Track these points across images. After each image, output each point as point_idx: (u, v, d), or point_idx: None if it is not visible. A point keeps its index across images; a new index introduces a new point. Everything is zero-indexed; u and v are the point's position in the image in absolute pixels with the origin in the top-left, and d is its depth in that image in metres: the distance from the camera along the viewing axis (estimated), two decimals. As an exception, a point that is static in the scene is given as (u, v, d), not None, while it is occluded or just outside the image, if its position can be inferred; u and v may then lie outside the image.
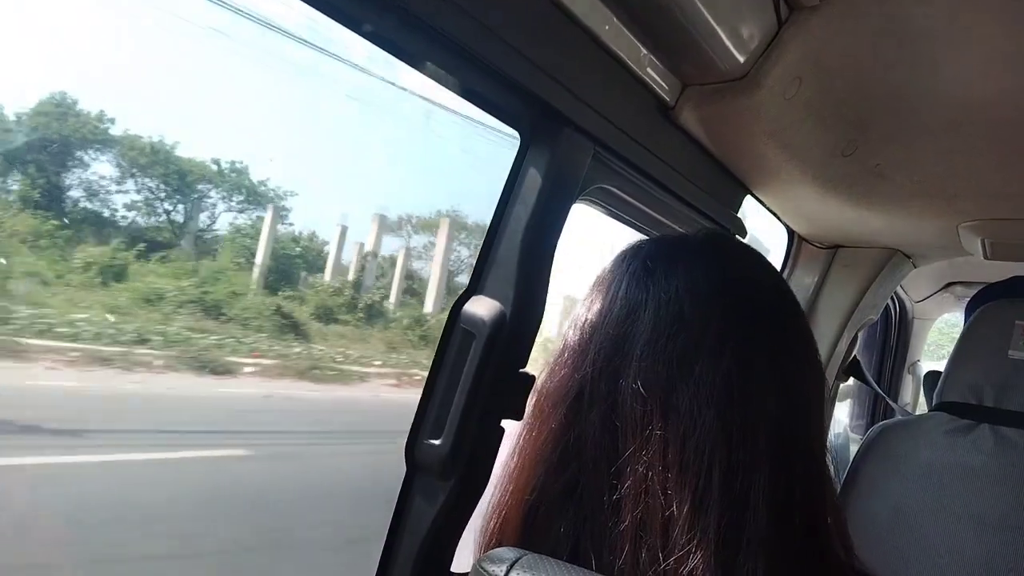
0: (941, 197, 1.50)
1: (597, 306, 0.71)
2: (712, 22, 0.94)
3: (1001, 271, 1.98)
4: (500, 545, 0.68)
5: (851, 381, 2.16)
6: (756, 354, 0.66)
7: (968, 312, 1.86)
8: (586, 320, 0.71)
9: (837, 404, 2.52)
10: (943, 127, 1.24)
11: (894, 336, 2.68)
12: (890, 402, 2.33)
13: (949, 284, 2.52)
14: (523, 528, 0.69)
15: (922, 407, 2.67)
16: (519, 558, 0.61)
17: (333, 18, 0.72)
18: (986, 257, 1.70)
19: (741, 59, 1.03)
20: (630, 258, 0.73)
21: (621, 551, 0.62)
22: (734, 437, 0.62)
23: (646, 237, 0.78)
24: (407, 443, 0.85)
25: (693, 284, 0.68)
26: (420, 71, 0.82)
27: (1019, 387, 1.42)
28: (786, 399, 0.66)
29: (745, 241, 1.53)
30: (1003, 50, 1.03)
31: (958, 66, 1.08)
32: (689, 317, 0.66)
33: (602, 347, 0.68)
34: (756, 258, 0.78)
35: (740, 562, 0.59)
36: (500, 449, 0.87)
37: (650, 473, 0.62)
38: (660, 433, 0.63)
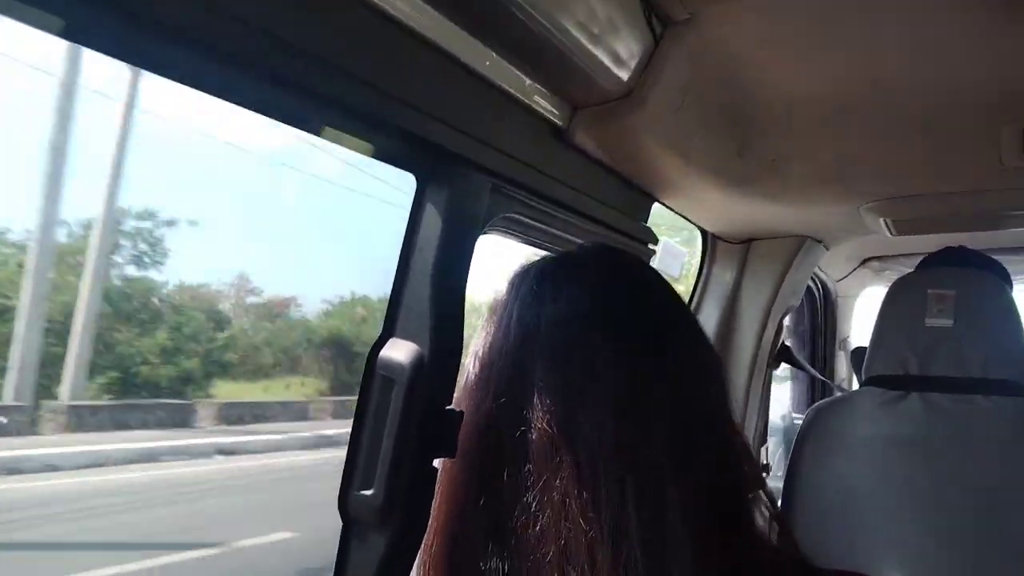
0: (839, 182, 1.56)
1: (492, 337, 0.72)
2: (589, 46, 0.96)
3: (912, 244, 2.06)
4: None
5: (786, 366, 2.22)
6: (647, 363, 0.67)
7: None
8: (484, 352, 0.72)
9: (777, 388, 2.59)
10: (831, 116, 1.29)
11: (821, 317, 2.76)
12: (826, 380, 2.39)
13: (865, 260, 2.60)
14: (450, 570, 0.69)
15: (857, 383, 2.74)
16: None
17: (216, 96, 0.72)
18: (891, 234, 1.77)
19: (624, 78, 1.06)
20: (519, 283, 0.74)
21: None
22: (638, 451, 0.63)
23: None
24: (339, 497, 0.84)
25: (579, 302, 0.70)
26: (316, 135, 0.82)
27: (939, 353, 1.48)
28: (683, 403, 0.67)
29: (667, 243, 1.56)
30: (878, 39, 1.08)
31: (837, 58, 1.13)
32: (579, 338, 0.68)
33: (501, 379, 0.69)
34: (641, 267, 0.80)
35: (669, 573, 0.61)
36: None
37: (567, 500, 0.62)
38: (570, 458, 0.63)
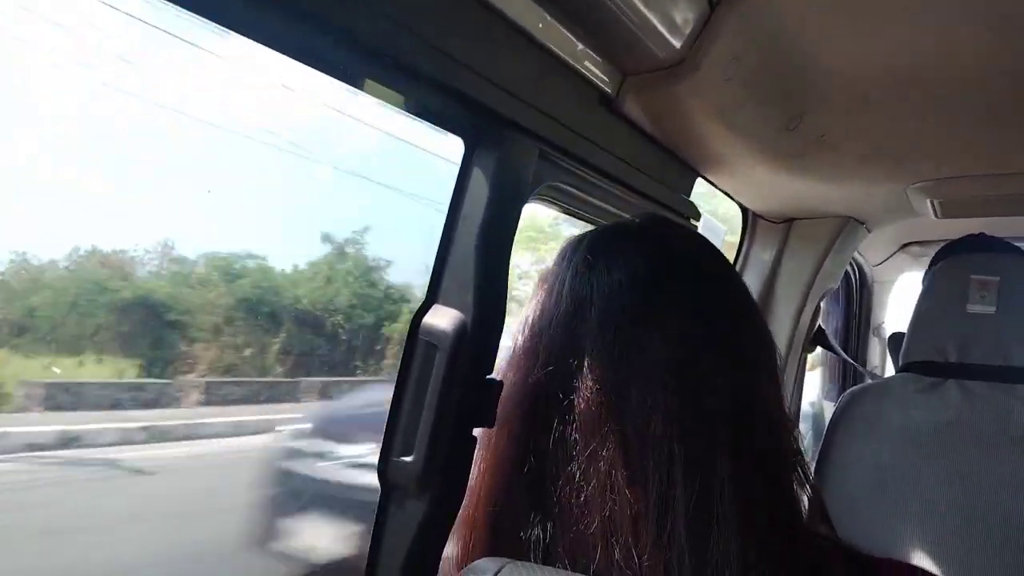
0: (888, 161, 1.52)
1: (543, 306, 0.70)
2: (644, 10, 0.94)
3: (953, 228, 2.02)
4: (472, 556, 0.68)
5: (819, 350, 2.19)
6: (702, 337, 0.66)
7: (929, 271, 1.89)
8: (533, 321, 0.70)
9: (809, 373, 2.56)
10: (884, 93, 1.25)
11: (856, 301, 2.72)
12: (858, 367, 2.36)
13: (905, 245, 2.56)
14: (492, 537, 0.69)
15: (891, 369, 2.71)
16: (501, 568, 0.61)
17: (270, 47, 0.71)
18: (936, 216, 1.73)
19: (677, 45, 1.03)
20: (571, 253, 0.72)
21: (594, 551, 0.61)
22: (690, 425, 0.62)
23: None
24: (379, 462, 0.84)
25: (635, 273, 0.68)
26: (358, 88, 0.81)
27: (980, 340, 1.44)
28: (738, 380, 0.66)
29: (707, 219, 1.54)
30: (938, 13, 1.04)
31: (895, 32, 1.09)
32: (634, 309, 0.66)
33: (551, 348, 0.67)
34: (696, 239, 0.78)
35: (712, 549, 0.59)
36: (474, 458, 0.87)
37: (613, 471, 0.61)
38: (619, 429, 0.62)
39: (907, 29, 1.08)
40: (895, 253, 2.60)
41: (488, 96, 0.85)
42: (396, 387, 0.84)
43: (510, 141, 0.90)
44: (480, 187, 0.88)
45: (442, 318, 0.84)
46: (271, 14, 0.66)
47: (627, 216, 1.24)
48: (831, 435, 1.58)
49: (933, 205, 1.68)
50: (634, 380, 0.63)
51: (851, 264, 2.56)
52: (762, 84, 1.20)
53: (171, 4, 0.63)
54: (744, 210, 1.86)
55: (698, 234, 0.80)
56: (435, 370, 0.82)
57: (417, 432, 0.82)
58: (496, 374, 0.82)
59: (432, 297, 0.87)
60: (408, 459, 0.82)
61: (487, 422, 0.77)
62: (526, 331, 0.71)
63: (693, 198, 1.48)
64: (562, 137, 0.99)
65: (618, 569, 0.60)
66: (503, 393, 0.72)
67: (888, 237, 2.36)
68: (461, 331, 0.83)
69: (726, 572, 0.59)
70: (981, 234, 1.64)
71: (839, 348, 2.26)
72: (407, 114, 0.85)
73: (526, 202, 0.94)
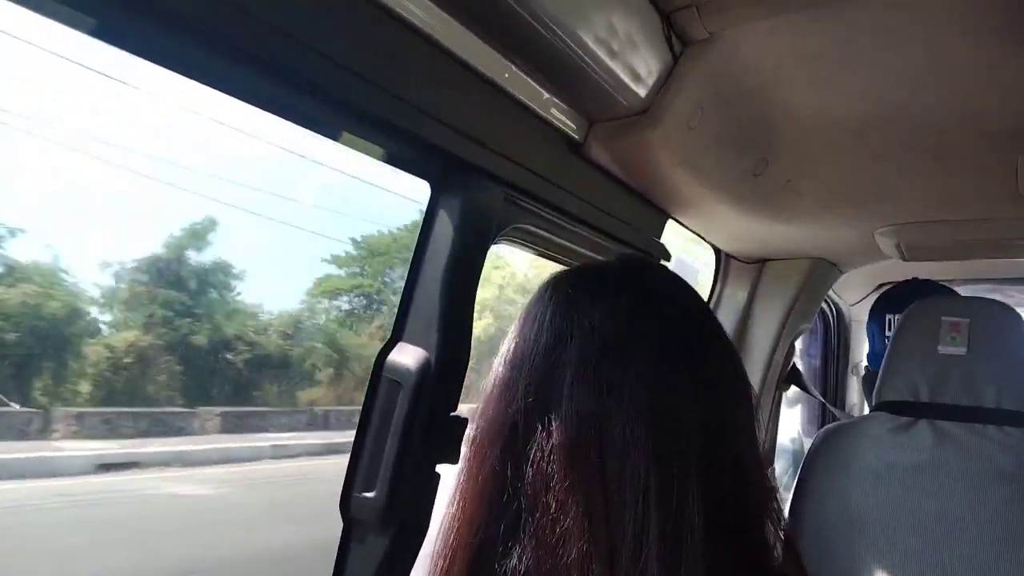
0: (853, 206, 1.55)
1: (523, 339, 0.72)
2: (608, 61, 0.97)
3: (926, 271, 2.05)
4: None
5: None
6: (680, 376, 0.68)
7: (875, 317, 1.93)
8: (513, 353, 0.72)
9: (788, 410, 2.57)
10: (848, 139, 1.29)
11: (834, 340, 2.75)
12: (829, 407, 2.37)
13: (881, 285, 2.59)
14: (469, 568, 0.69)
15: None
16: None
17: (237, 98, 0.74)
18: (903, 259, 1.76)
19: (642, 94, 1.06)
20: (552, 290, 0.74)
21: None
22: (665, 458, 0.64)
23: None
24: (341, 498, 0.85)
25: (615, 312, 0.70)
26: (325, 136, 0.84)
27: (951, 381, 1.46)
28: (712, 417, 0.67)
29: (680, 259, 1.56)
30: (895, 64, 1.08)
31: (853, 82, 1.13)
32: (613, 344, 0.68)
33: (531, 379, 0.68)
34: (674, 281, 0.80)
35: None
36: (437, 495, 0.88)
37: (591, 501, 0.63)
38: (597, 460, 0.64)
39: (861, 81, 1.12)
40: (871, 292, 2.64)
41: (453, 143, 0.88)
42: (360, 423, 0.85)
43: (476, 185, 0.93)
44: (445, 229, 0.90)
45: (407, 356, 0.86)
46: (254, 74, 0.70)
47: (595, 256, 1.27)
48: (805, 473, 1.59)
49: (900, 248, 1.71)
50: (612, 413, 0.65)
51: (828, 303, 2.59)
52: (726, 132, 1.23)
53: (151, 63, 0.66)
54: (716, 251, 1.89)
55: (674, 274, 0.82)
56: (398, 407, 0.84)
57: (380, 468, 0.83)
58: (475, 407, 0.83)
59: (397, 335, 0.89)
60: (371, 495, 0.83)
61: (451, 459, 0.78)
62: (506, 364, 0.72)
63: (670, 235, 1.51)
64: (528, 181, 1.02)
65: None
66: (483, 425, 0.73)
67: (863, 277, 2.39)
68: (425, 369, 0.85)
69: None
70: (914, 279, 1.68)
71: (812, 388, 2.28)
72: (375, 160, 0.88)
73: (492, 243, 0.97)
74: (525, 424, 0.67)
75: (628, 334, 0.69)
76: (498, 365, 0.73)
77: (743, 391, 0.74)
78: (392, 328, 0.90)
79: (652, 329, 0.70)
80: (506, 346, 0.73)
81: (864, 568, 1.43)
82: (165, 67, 0.67)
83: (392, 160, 0.89)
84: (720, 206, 1.46)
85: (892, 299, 2.01)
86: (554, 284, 0.75)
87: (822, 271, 1.97)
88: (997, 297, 1.63)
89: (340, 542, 0.86)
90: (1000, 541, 1.36)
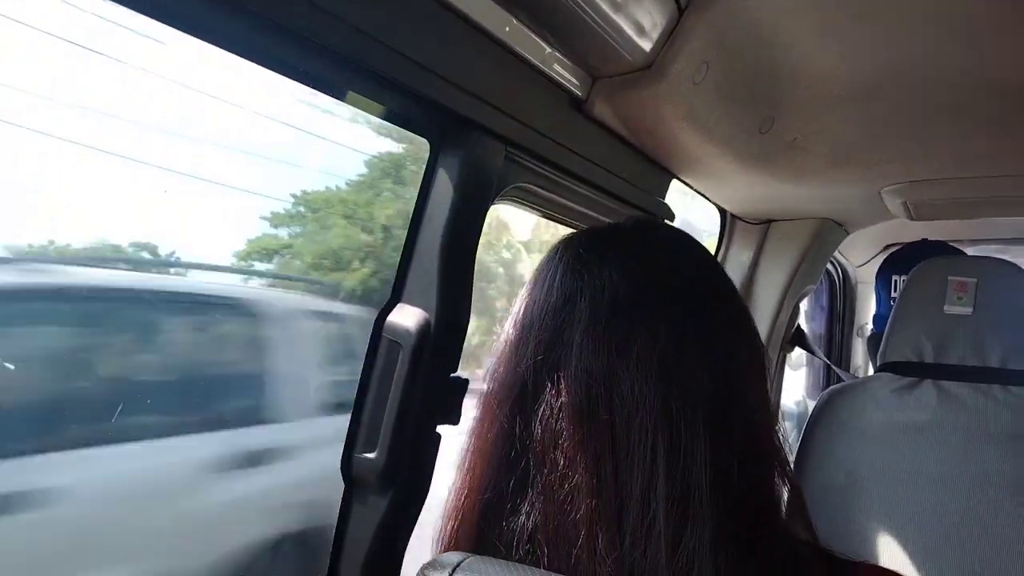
0: (861, 164, 1.53)
1: (533, 299, 0.72)
2: (612, 15, 0.95)
3: (933, 230, 2.04)
4: (457, 546, 0.69)
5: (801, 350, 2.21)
6: (690, 333, 0.67)
7: (881, 279, 1.92)
8: (523, 314, 0.72)
9: (793, 372, 2.57)
10: (855, 96, 1.27)
11: (840, 302, 2.74)
12: (834, 368, 2.37)
13: (888, 246, 2.58)
14: (478, 527, 0.70)
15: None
16: (461, 561, 0.62)
17: (237, 54, 0.72)
18: (910, 218, 1.74)
19: (646, 49, 1.04)
20: (563, 250, 0.74)
21: (577, 540, 0.63)
22: (674, 416, 0.63)
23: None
24: (342, 459, 0.85)
25: (625, 270, 0.69)
26: (324, 93, 0.82)
27: (956, 341, 1.46)
28: (722, 376, 0.67)
29: (680, 223, 1.55)
30: (907, 17, 1.05)
31: (864, 36, 1.11)
32: (624, 302, 0.67)
33: (541, 338, 0.68)
34: (685, 240, 0.79)
35: (686, 540, 0.61)
36: (438, 455, 0.88)
37: (601, 460, 0.63)
38: (606, 418, 0.64)
39: (874, 34, 1.09)
40: (878, 254, 2.62)
41: (453, 99, 0.86)
42: (360, 384, 0.85)
43: (475, 142, 0.91)
44: (445, 188, 0.89)
45: (406, 317, 0.85)
46: (254, 30, 0.69)
47: (602, 219, 1.25)
48: (809, 434, 1.59)
49: (907, 207, 1.69)
50: (622, 371, 0.65)
51: (834, 265, 2.58)
52: (732, 88, 1.21)
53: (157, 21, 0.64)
54: (721, 211, 1.87)
55: (685, 233, 0.81)
56: (398, 368, 0.84)
57: (381, 429, 0.83)
58: (486, 367, 0.83)
59: (396, 296, 0.88)
60: (371, 455, 0.83)
61: (452, 420, 0.78)
62: (516, 324, 0.72)
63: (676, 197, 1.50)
64: (529, 139, 1.00)
65: (600, 558, 0.62)
66: (493, 385, 0.73)
67: (870, 238, 2.38)
68: (425, 330, 0.85)
69: (696, 562, 0.60)
70: (924, 240, 1.67)
71: (817, 349, 2.28)
72: (373, 117, 0.86)
73: (492, 203, 0.96)
74: (535, 382, 0.68)
75: (638, 293, 0.68)
76: (509, 325, 0.73)
77: (754, 350, 0.73)
78: (391, 288, 0.89)
79: (663, 288, 0.69)
80: (517, 306, 0.73)
81: (867, 526, 1.44)
82: (160, 21, 0.65)
83: (392, 117, 0.88)
84: (725, 165, 1.44)
85: (898, 260, 2.00)
86: (565, 244, 0.75)
87: (828, 231, 1.95)
88: (1005, 257, 1.61)
89: (341, 502, 0.86)
90: (1004, 498, 1.37)
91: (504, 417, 0.69)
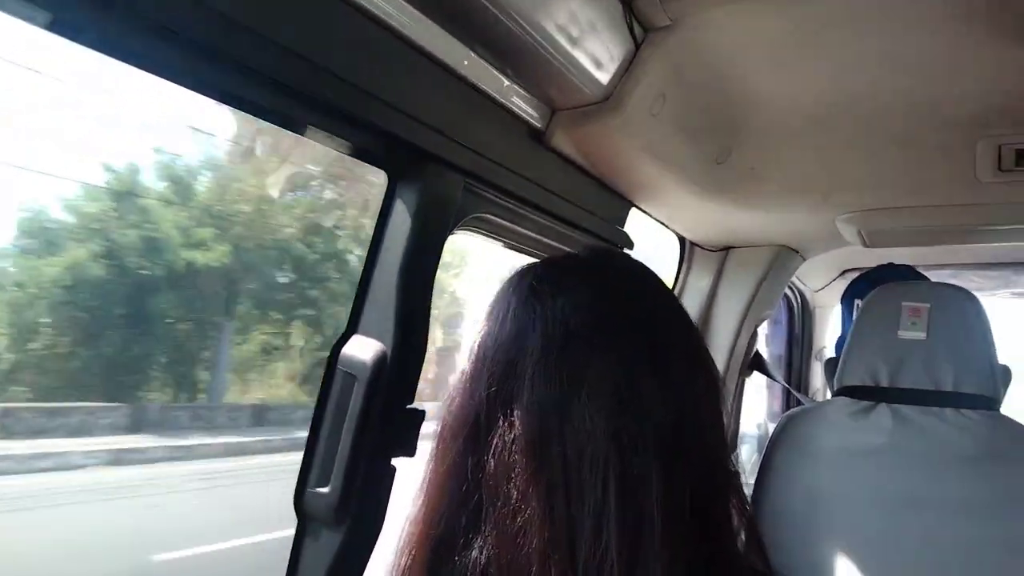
0: (816, 193, 1.56)
1: (487, 331, 0.71)
2: (569, 49, 0.96)
3: (888, 257, 2.07)
4: None
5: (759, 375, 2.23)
6: (644, 364, 0.67)
7: (845, 302, 1.95)
8: (479, 346, 0.71)
9: (753, 397, 2.59)
10: (810, 126, 1.29)
11: (799, 327, 2.77)
12: (793, 392, 2.40)
13: (844, 271, 2.62)
14: (431, 562, 0.69)
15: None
16: None
17: (201, 93, 0.72)
18: (865, 246, 1.77)
19: (603, 82, 1.06)
20: (518, 281, 0.74)
21: (530, 573, 0.62)
22: (626, 446, 0.63)
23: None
24: (295, 493, 0.84)
25: (579, 301, 0.69)
26: (285, 128, 0.82)
27: (910, 365, 1.48)
28: (677, 406, 0.67)
29: (642, 249, 1.56)
30: (859, 51, 1.08)
31: (817, 68, 1.13)
32: (576, 333, 0.67)
33: (494, 371, 0.68)
34: (640, 270, 0.80)
35: (639, 571, 0.61)
36: (393, 488, 0.87)
37: (552, 492, 0.63)
38: (559, 450, 0.64)
39: (828, 67, 1.12)
40: (835, 279, 2.66)
41: (410, 131, 0.87)
42: (314, 417, 0.84)
43: (434, 174, 0.91)
44: (403, 219, 0.89)
45: (362, 349, 0.85)
46: (216, 68, 0.69)
47: (562, 247, 1.26)
48: (768, 458, 1.60)
49: (862, 235, 1.72)
50: (574, 403, 0.65)
51: (792, 290, 2.61)
52: (689, 120, 1.23)
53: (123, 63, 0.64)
54: (680, 239, 1.89)
55: (640, 263, 0.82)
56: (353, 400, 0.83)
57: (335, 462, 0.82)
58: (443, 399, 0.83)
59: (352, 327, 0.88)
60: (325, 490, 0.82)
61: (408, 451, 0.78)
62: (472, 356, 0.72)
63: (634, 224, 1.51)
64: (489, 170, 1.01)
65: None
66: (448, 418, 0.72)
67: (826, 264, 2.41)
68: (381, 361, 0.84)
69: None
70: (890, 264, 1.70)
71: (775, 373, 2.30)
72: (326, 147, 0.86)
73: (450, 233, 0.96)
74: (488, 415, 0.67)
75: (592, 324, 0.69)
76: (467, 359, 0.73)
77: (710, 379, 0.73)
78: (348, 319, 0.88)
79: (617, 318, 0.70)
80: (474, 339, 0.73)
81: (826, 548, 1.45)
82: (123, 61, 0.65)
83: (353, 151, 0.88)
84: (684, 194, 1.46)
85: (860, 284, 2.03)
86: (518, 276, 0.75)
87: (785, 258, 1.98)
88: (957, 283, 1.64)
89: (294, 539, 0.85)
90: (960, 521, 1.38)
91: (457, 451, 0.69)
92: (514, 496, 0.64)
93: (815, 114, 1.26)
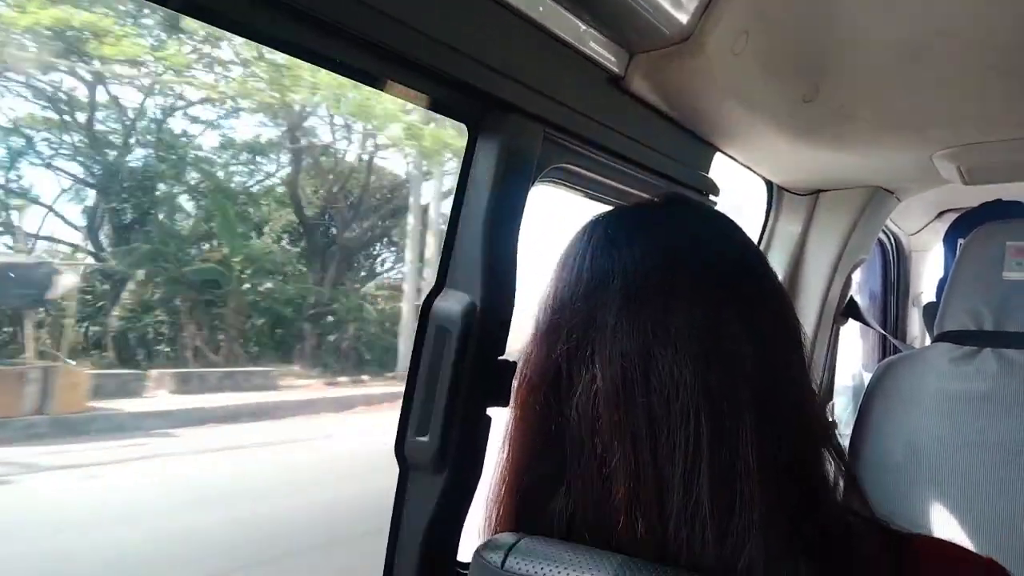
0: (911, 129, 1.49)
1: (563, 283, 0.71)
2: (646, -12, 0.94)
3: (987, 194, 1.98)
4: (497, 531, 0.70)
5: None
6: (725, 310, 0.66)
7: (947, 242, 1.86)
8: (553, 298, 0.71)
9: (847, 345, 2.52)
10: (902, 60, 1.23)
11: (894, 272, 2.68)
12: (891, 339, 2.33)
13: (942, 213, 2.51)
14: (517, 514, 0.70)
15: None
16: (516, 542, 0.63)
17: (280, 50, 0.74)
18: (964, 183, 1.69)
19: (683, 21, 1.03)
20: (591, 231, 0.73)
21: (616, 524, 0.63)
22: (715, 395, 0.63)
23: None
24: (396, 442, 0.86)
25: (656, 248, 0.69)
26: (364, 83, 0.83)
27: (1017, 307, 1.42)
28: (761, 351, 0.66)
29: (729, 197, 1.53)
30: None
31: (908, 1, 1.08)
32: (657, 281, 0.67)
33: (573, 323, 0.68)
34: (715, 216, 0.78)
35: (735, 520, 0.60)
36: (491, 436, 0.89)
37: (638, 444, 0.63)
38: (643, 400, 0.63)
39: None
40: (932, 221, 2.56)
41: (490, 83, 0.86)
42: (410, 369, 0.87)
43: (515, 125, 0.91)
44: (486, 172, 0.89)
45: (452, 302, 0.86)
46: (297, 25, 0.70)
47: (641, 194, 1.24)
48: (865, 407, 1.57)
49: (960, 172, 1.64)
50: (658, 352, 0.64)
51: (886, 233, 2.52)
52: (774, 57, 1.19)
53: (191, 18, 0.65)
54: (768, 183, 1.83)
55: (716, 210, 0.80)
56: (447, 352, 0.85)
57: (432, 413, 0.84)
58: (519, 353, 0.83)
59: (442, 281, 0.89)
60: (424, 439, 0.84)
61: (501, 402, 0.79)
62: (547, 309, 0.72)
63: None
64: (569, 119, 1.00)
65: (641, 540, 0.61)
66: (527, 371, 0.73)
67: (922, 205, 2.32)
68: (471, 314, 0.85)
69: (748, 543, 0.60)
70: (998, 200, 1.61)
71: (871, 320, 2.23)
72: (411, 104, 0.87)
73: (533, 185, 0.95)
74: (568, 368, 0.67)
75: (672, 270, 0.68)
76: (539, 311, 0.73)
77: (792, 328, 0.72)
78: (437, 273, 0.90)
79: (696, 265, 0.69)
80: (546, 291, 0.73)
81: (927, 497, 1.42)
82: (196, 17, 0.67)
83: (433, 105, 0.89)
84: (770, 136, 1.42)
85: (964, 224, 1.94)
86: (592, 226, 0.74)
87: (879, 199, 1.90)
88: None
89: (397, 485, 0.88)
90: None
91: (539, 404, 0.69)
92: (599, 448, 0.64)
93: (906, 48, 1.19)
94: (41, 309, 8.39)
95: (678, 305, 0.65)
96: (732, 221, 0.77)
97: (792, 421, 0.67)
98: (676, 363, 0.63)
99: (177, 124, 10.87)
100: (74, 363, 8.26)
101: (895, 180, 1.87)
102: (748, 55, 1.14)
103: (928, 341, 2.05)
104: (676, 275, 0.67)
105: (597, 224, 0.73)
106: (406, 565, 0.87)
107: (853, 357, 2.89)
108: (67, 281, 8.77)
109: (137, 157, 10.75)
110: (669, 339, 0.64)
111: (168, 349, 10.36)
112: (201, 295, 10.41)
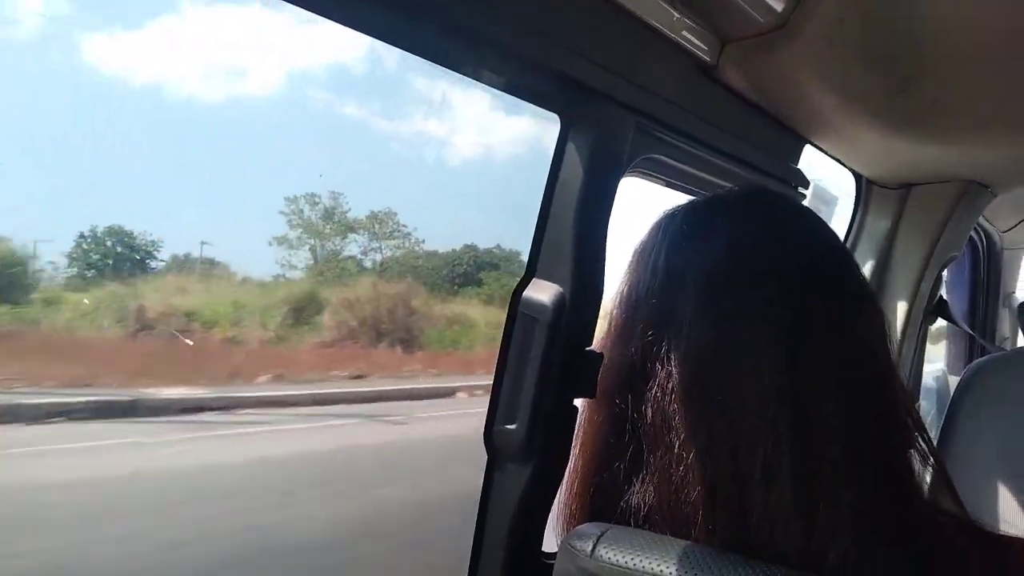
0: (1009, 122, 1.43)
1: (638, 278, 0.71)
2: (742, -24, 0.92)
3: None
4: (575, 525, 0.70)
5: (944, 321, 2.09)
6: (807, 303, 0.65)
7: None
8: (629, 294, 0.71)
9: (932, 346, 2.44)
10: (999, 53, 1.18)
11: (983, 270, 2.58)
12: (979, 340, 2.24)
13: (1038, 208, 2.41)
14: (597, 508, 0.70)
15: (1023, 340, 2.56)
16: (605, 531, 0.63)
17: (374, 37, 0.75)
18: (1067, 177, 1.62)
19: (778, 9, 1.01)
20: (666, 224, 0.73)
21: (695, 519, 0.62)
22: (797, 389, 0.61)
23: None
24: (484, 430, 0.87)
25: (733, 244, 0.68)
26: (453, 70, 0.83)
27: None
28: (845, 347, 0.65)
29: (822, 190, 1.50)
30: None
31: None
32: (735, 278, 0.66)
33: (649, 319, 0.68)
34: (794, 208, 0.77)
35: (821, 517, 0.59)
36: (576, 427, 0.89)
37: (716, 438, 0.62)
38: (719, 398, 0.62)
39: None
40: (1026, 218, 2.45)
41: (582, 71, 0.86)
42: (499, 358, 0.87)
43: (606, 115, 0.91)
44: (576, 162, 0.89)
45: (541, 292, 0.86)
46: (386, 11, 0.71)
47: (729, 186, 1.22)
48: (954, 410, 1.52)
49: (1062, 166, 1.57)
50: (735, 347, 0.63)
51: (977, 229, 2.42)
52: (868, 46, 1.15)
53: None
54: (857, 177, 1.78)
55: (796, 203, 0.79)
56: (535, 342, 0.85)
57: (519, 402, 0.85)
58: (595, 348, 0.83)
59: (531, 271, 0.89)
60: (512, 427, 0.85)
61: (588, 392, 0.79)
62: (622, 304, 0.72)
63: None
64: (659, 108, 0.99)
65: (721, 536, 0.61)
66: (602, 366, 0.73)
67: (1016, 201, 2.22)
68: (560, 304, 0.85)
69: (836, 540, 0.58)
70: None
71: (961, 320, 2.16)
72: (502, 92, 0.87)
73: (623, 176, 0.95)
74: (644, 364, 0.67)
75: (750, 264, 0.66)
76: (614, 306, 0.73)
77: (877, 324, 0.70)
78: (526, 263, 0.90)
79: (774, 259, 0.67)
80: (621, 286, 0.72)
81: (1017, 508, 1.37)
82: (294, 3, 0.68)
83: (521, 92, 0.89)
84: (862, 127, 1.38)
85: None
86: (667, 220, 0.73)
87: (973, 195, 1.83)
88: None
89: (485, 472, 0.89)
90: None
91: (613, 401, 0.69)
92: (676, 445, 0.63)
93: (1006, 38, 1.14)
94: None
95: (755, 297, 0.64)
96: (815, 215, 0.75)
97: (880, 419, 0.65)
98: (754, 360, 0.62)
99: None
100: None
101: (991, 174, 1.80)
102: (842, 43, 1.11)
103: (1021, 342, 1.97)
104: (753, 268, 0.66)
105: (672, 218, 0.73)
106: (494, 550, 0.88)
107: (937, 358, 2.80)
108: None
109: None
110: (746, 332, 0.63)
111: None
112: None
